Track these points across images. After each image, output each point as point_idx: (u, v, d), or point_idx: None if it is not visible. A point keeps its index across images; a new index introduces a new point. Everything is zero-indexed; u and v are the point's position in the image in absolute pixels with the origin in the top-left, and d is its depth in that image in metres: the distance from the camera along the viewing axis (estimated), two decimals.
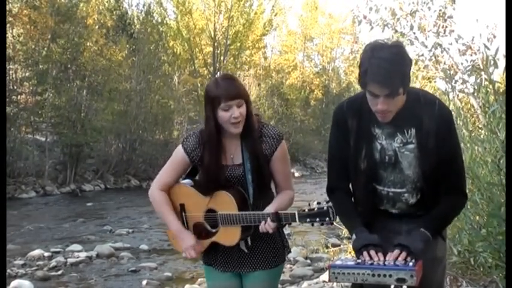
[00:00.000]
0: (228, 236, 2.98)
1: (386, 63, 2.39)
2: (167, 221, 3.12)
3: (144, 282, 8.61)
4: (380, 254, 2.49)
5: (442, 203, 2.62)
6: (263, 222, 2.83)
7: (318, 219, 2.72)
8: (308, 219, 2.73)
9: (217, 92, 2.92)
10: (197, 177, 3.21)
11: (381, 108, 2.48)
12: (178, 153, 3.14)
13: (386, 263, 2.42)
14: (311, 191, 17.05)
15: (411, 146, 2.60)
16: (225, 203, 2.96)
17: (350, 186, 2.79)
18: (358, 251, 2.55)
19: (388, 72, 2.39)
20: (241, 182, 3.01)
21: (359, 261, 2.48)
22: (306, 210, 2.75)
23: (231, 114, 2.90)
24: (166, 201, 3.13)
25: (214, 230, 3.04)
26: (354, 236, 2.63)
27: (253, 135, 3.01)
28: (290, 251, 3.25)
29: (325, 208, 2.70)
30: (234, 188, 3.00)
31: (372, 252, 2.50)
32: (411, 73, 2.57)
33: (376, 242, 2.53)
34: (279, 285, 7.87)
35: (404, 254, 2.48)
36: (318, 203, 2.77)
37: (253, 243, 3.05)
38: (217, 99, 2.91)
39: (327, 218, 2.70)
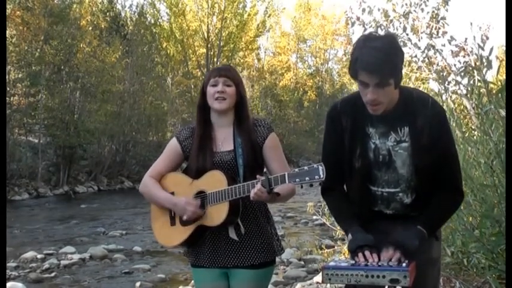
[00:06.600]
0: (215, 215, 2.92)
1: (377, 51, 2.38)
2: (156, 196, 3.10)
3: (138, 284, 8.58)
4: (375, 255, 2.47)
5: (438, 200, 2.60)
6: (253, 190, 2.76)
7: (307, 178, 2.63)
8: (298, 179, 2.66)
9: (210, 72, 3.12)
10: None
11: (370, 97, 2.45)
12: (171, 143, 3.20)
13: (379, 263, 2.42)
14: (303, 193, 17.00)
15: (405, 145, 2.58)
16: (216, 181, 2.92)
17: (345, 187, 2.76)
18: (353, 253, 2.53)
19: (378, 60, 2.37)
20: (230, 167, 2.99)
21: (352, 262, 2.48)
22: (297, 170, 2.69)
23: (216, 89, 3.01)
24: (156, 184, 3.12)
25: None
26: (349, 236, 2.60)
27: (247, 121, 3.06)
28: (283, 250, 3.20)
29: (315, 166, 2.63)
30: (224, 171, 2.97)
31: (367, 253, 2.48)
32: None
33: (371, 243, 2.51)
34: (273, 287, 7.90)
35: (398, 254, 2.47)
36: (309, 164, 2.73)
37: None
38: (208, 77, 3.08)
39: (317, 176, 2.61)
